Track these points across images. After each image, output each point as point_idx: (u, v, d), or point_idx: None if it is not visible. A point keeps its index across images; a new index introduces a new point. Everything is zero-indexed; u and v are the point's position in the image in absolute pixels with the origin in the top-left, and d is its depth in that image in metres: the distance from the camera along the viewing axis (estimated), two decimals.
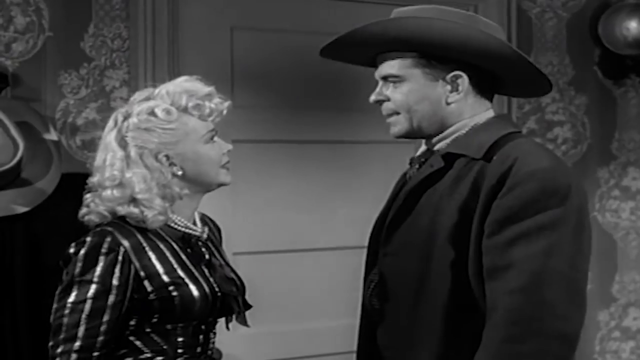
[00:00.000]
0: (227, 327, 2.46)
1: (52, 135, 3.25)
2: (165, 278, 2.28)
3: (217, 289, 2.35)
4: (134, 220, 2.32)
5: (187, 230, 2.39)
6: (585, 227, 2.19)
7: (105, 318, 2.24)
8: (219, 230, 2.62)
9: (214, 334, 2.41)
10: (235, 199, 3.68)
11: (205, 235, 2.44)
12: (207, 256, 2.41)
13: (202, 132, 2.36)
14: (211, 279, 2.36)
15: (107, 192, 2.32)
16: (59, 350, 2.23)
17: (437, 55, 2.27)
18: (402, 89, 2.31)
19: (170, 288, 2.28)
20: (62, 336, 2.23)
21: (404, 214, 2.30)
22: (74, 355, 2.22)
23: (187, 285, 2.29)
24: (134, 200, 2.31)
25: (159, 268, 2.29)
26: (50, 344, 2.26)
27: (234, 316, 2.45)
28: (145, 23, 3.48)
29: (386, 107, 2.34)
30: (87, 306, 2.23)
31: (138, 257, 2.28)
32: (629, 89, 4.38)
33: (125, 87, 3.47)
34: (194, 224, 2.43)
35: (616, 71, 4.34)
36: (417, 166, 2.37)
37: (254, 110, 3.73)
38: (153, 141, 2.32)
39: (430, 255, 2.23)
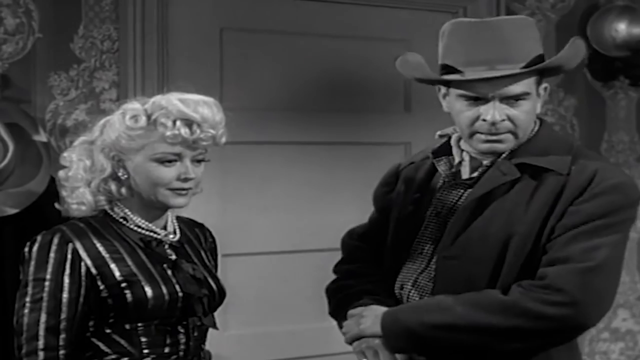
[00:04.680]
0: (191, 329, 2.44)
1: (42, 137, 3.24)
2: (117, 275, 2.28)
3: (178, 289, 2.35)
4: (60, 205, 2.37)
5: (146, 232, 2.39)
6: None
7: (63, 316, 2.24)
8: (210, 236, 2.61)
9: (185, 334, 2.39)
10: (225, 201, 3.68)
11: (171, 238, 2.43)
12: (172, 257, 2.40)
13: (156, 151, 2.30)
14: (173, 280, 2.35)
15: (60, 172, 2.38)
16: (24, 350, 2.23)
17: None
18: (524, 107, 2.28)
19: (123, 286, 2.27)
20: (24, 336, 2.23)
21: (471, 218, 2.30)
22: (40, 354, 2.22)
23: (140, 283, 2.29)
24: (69, 186, 2.36)
25: (112, 267, 2.29)
26: (15, 345, 2.26)
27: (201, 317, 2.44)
28: (134, 25, 3.48)
29: (505, 126, 2.28)
30: (45, 304, 2.24)
31: (89, 255, 2.28)
32: (618, 90, 4.39)
33: (114, 89, 3.46)
34: (165, 227, 2.43)
35: (605, 73, 4.36)
36: (477, 171, 2.36)
37: (243, 111, 3.73)
38: (111, 138, 2.33)
39: (501, 262, 2.24)
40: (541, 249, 2.22)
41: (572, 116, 4.30)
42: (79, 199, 2.35)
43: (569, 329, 2.19)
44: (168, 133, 2.28)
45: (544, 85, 2.34)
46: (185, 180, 2.33)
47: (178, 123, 2.29)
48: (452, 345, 2.21)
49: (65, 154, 2.39)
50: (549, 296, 2.14)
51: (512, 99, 2.26)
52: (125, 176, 2.34)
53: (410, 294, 2.37)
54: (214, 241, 2.62)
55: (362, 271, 2.54)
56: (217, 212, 3.65)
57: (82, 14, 3.44)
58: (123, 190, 2.36)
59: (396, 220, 2.49)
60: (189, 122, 2.30)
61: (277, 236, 3.80)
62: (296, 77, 3.80)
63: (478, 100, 2.27)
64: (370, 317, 2.33)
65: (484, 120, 2.27)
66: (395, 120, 3.97)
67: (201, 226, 2.60)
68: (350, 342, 2.38)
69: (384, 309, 2.32)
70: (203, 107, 2.32)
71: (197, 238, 2.54)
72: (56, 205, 2.39)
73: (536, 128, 2.37)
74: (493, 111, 2.26)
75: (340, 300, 2.50)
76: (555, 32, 4.23)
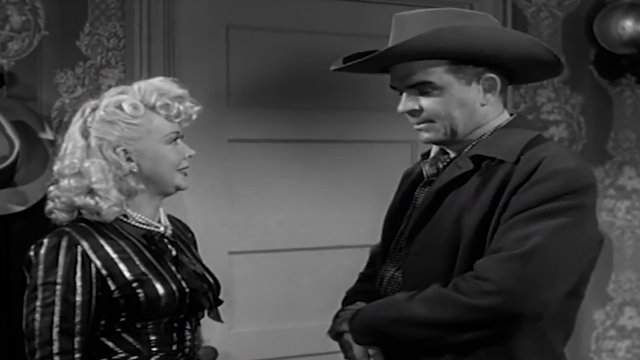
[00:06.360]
0: (198, 323, 2.47)
1: (48, 135, 3.24)
2: (128, 276, 2.29)
3: (184, 285, 2.35)
4: (89, 213, 2.33)
5: (148, 227, 2.39)
6: (587, 228, 2.21)
7: (77, 319, 2.24)
8: (189, 231, 2.62)
9: (190, 331, 2.40)
10: (230, 199, 3.68)
11: (169, 232, 2.44)
12: (173, 252, 2.40)
13: (165, 132, 2.37)
14: (178, 276, 2.36)
15: (65, 182, 2.34)
16: (38, 355, 2.22)
17: (471, 60, 2.27)
18: (439, 97, 2.28)
19: (134, 285, 2.28)
20: (37, 341, 2.22)
21: (429, 214, 2.31)
22: (56, 359, 2.21)
23: (151, 282, 2.29)
24: (90, 191, 2.32)
25: (121, 266, 2.29)
26: (27, 350, 2.25)
27: (205, 312, 2.45)
28: (140, 22, 3.47)
29: (419, 115, 2.32)
30: (57, 308, 2.23)
31: (98, 256, 2.28)
32: (625, 88, 4.38)
33: (121, 86, 3.46)
34: (159, 221, 2.43)
35: (612, 70, 4.35)
36: (440, 166, 2.38)
37: (250, 109, 3.73)
38: (114, 134, 2.34)
39: (454, 255, 2.24)
40: (488, 241, 2.20)
41: (579, 114, 4.29)
42: (112, 201, 2.33)
43: (501, 318, 2.14)
44: (172, 112, 2.37)
45: (485, 75, 2.30)
46: (189, 157, 2.42)
47: (175, 101, 2.38)
48: (405, 339, 2.23)
49: (66, 162, 2.36)
50: (477, 286, 2.13)
51: (415, 89, 2.30)
52: (136, 169, 2.35)
53: (388, 290, 2.40)
54: (193, 235, 2.64)
55: (373, 274, 2.57)
56: (223, 210, 3.65)
57: (88, 11, 3.44)
58: (141, 184, 2.37)
59: (388, 222, 2.52)
60: (179, 99, 2.39)
61: (282, 234, 3.80)
62: (302, 75, 3.80)
63: (398, 91, 2.35)
64: (347, 315, 2.38)
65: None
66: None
67: (179, 221, 2.62)
68: (333, 339, 2.43)
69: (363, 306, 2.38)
70: (176, 83, 2.43)
71: (182, 233, 2.56)
72: (87, 214, 2.34)
73: (504, 122, 2.35)
74: (402, 100, 2.33)
75: (343, 300, 2.56)
76: (561, 29, 4.23)
